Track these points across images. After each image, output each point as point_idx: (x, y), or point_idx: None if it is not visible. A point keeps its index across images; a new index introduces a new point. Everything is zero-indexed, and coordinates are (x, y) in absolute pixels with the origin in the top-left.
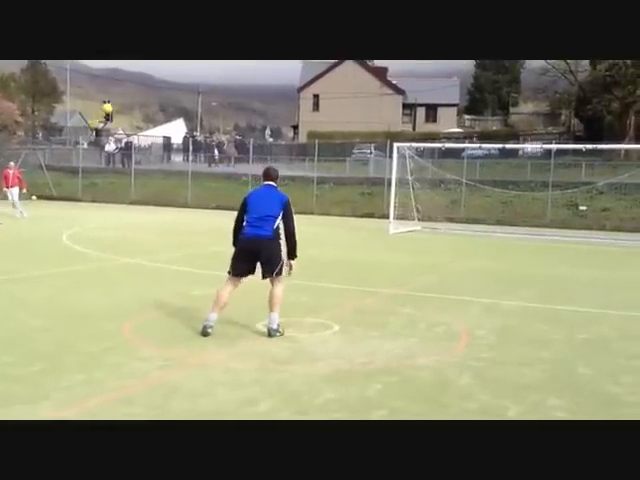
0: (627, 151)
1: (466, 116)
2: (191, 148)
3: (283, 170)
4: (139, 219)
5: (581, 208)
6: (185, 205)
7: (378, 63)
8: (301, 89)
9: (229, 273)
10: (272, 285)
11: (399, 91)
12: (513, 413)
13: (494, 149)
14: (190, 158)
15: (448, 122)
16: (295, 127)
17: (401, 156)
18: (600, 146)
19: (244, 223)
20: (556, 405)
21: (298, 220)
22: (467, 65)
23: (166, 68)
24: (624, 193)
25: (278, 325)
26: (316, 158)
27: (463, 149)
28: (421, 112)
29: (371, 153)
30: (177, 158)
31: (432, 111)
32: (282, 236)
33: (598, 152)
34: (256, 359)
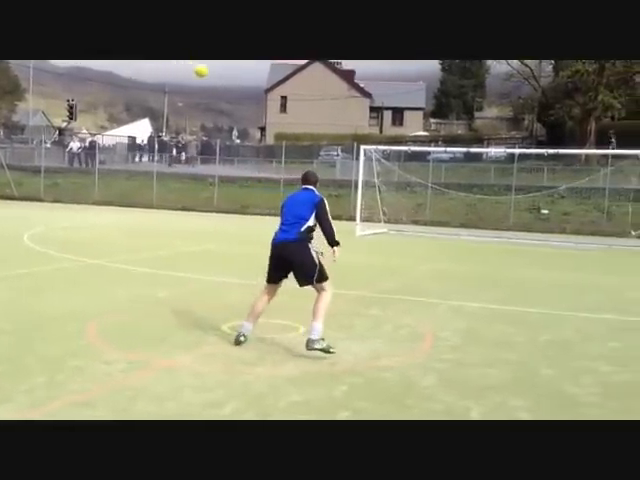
0: (587, 156)
1: (432, 120)
2: (157, 148)
3: (250, 171)
4: (103, 220)
5: (543, 212)
6: (150, 206)
7: (346, 66)
8: (268, 90)
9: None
10: (317, 293)
11: (366, 94)
12: (476, 414)
13: (459, 153)
14: (155, 158)
15: (414, 125)
16: (262, 129)
17: (368, 159)
18: (561, 151)
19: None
20: (518, 406)
21: (264, 221)
22: (433, 69)
23: (132, 67)
24: (584, 197)
25: (322, 339)
26: (283, 160)
27: (429, 152)
28: (388, 115)
29: (338, 155)
30: (142, 158)
31: (398, 114)
32: (312, 239)
33: (559, 157)
34: (221, 361)
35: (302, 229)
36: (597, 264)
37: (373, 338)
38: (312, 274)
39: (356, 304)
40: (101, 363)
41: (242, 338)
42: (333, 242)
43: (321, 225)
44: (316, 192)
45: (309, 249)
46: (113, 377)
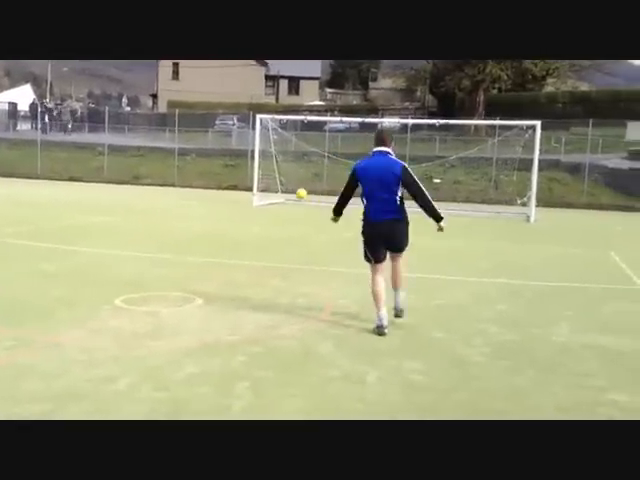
0: (477, 127)
1: (328, 90)
2: (40, 115)
3: (141, 141)
4: None
5: (435, 181)
6: (34, 176)
7: None
8: None
9: (369, 261)
10: (394, 262)
11: (262, 62)
12: (373, 377)
13: (355, 123)
14: (39, 126)
15: (310, 95)
16: (154, 96)
17: (264, 128)
18: (451, 121)
19: (364, 202)
20: (412, 368)
21: (159, 192)
22: None
23: None
24: (472, 167)
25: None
26: (177, 129)
27: (325, 122)
28: (284, 84)
29: (234, 124)
30: (24, 126)
31: (295, 84)
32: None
33: (450, 127)
34: (114, 336)
35: (398, 204)
36: (486, 231)
37: (273, 308)
38: (404, 246)
39: (256, 275)
40: None
41: (386, 330)
42: (435, 214)
43: (413, 195)
44: (393, 156)
45: (407, 225)
46: None
